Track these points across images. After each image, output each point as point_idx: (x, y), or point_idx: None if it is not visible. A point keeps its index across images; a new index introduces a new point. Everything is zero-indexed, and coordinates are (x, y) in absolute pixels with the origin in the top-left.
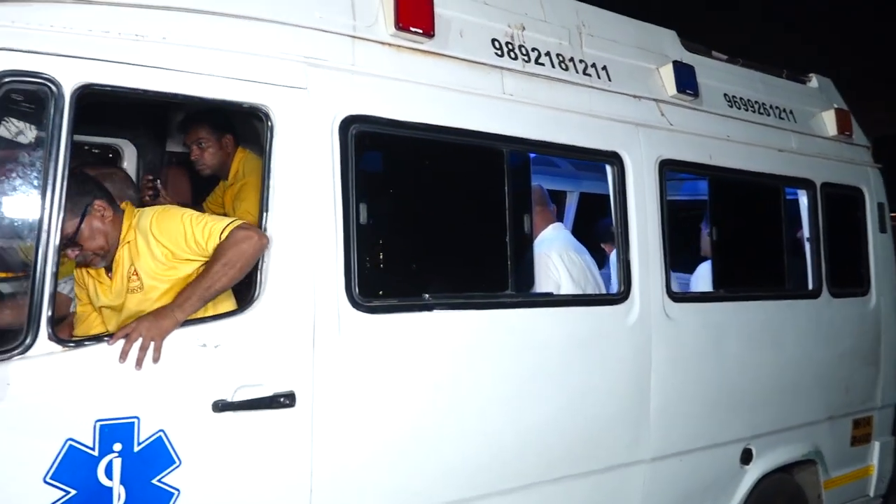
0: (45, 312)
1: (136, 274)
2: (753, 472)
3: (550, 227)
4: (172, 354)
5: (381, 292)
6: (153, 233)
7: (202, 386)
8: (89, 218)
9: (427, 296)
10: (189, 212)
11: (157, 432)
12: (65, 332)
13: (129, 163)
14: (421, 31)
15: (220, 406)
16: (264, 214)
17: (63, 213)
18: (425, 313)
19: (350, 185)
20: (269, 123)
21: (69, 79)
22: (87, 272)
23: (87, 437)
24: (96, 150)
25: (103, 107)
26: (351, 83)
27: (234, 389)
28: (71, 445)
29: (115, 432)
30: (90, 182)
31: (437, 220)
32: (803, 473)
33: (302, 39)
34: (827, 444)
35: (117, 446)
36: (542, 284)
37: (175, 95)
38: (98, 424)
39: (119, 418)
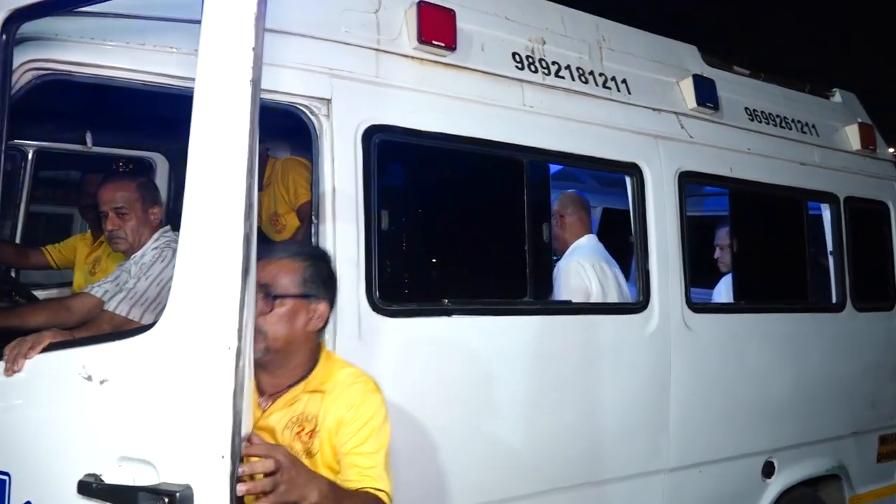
0: None
1: (312, 434)
2: (776, 486)
3: (586, 236)
4: (53, 387)
5: (401, 297)
6: (348, 411)
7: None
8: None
9: (446, 301)
10: (383, 429)
11: None
12: None
13: (162, 175)
14: (443, 44)
15: (87, 488)
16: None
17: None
18: (444, 318)
19: (371, 192)
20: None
21: None
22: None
23: None
24: (131, 164)
25: (138, 121)
26: (374, 94)
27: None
28: None
29: None
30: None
31: (458, 227)
32: (828, 489)
33: (326, 52)
34: (852, 460)
35: None
36: (573, 291)
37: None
38: None
39: None
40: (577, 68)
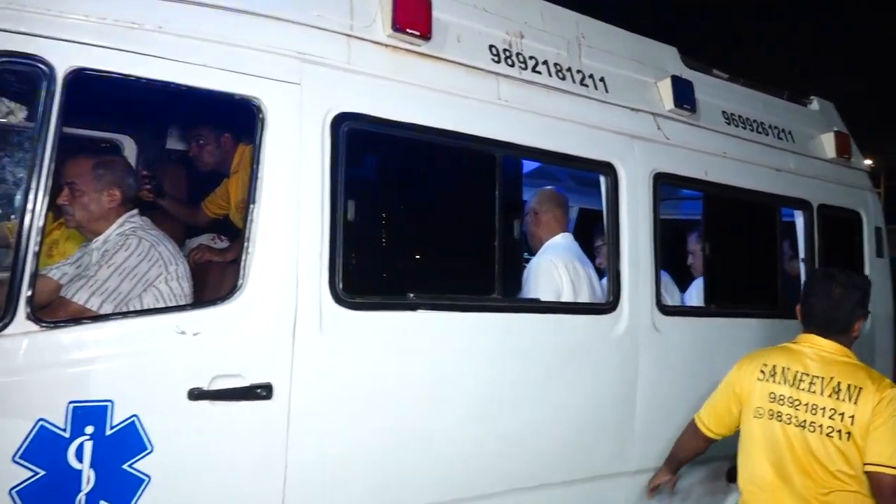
0: (25, 292)
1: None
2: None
3: (561, 234)
4: (149, 340)
5: (364, 289)
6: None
7: (178, 373)
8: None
9: (412, 295)
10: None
11: (130, 417)
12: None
13: (129, 158)
14: (418, 33)
15: (196, 394)
16: (251, 206)
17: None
18: (409, 312)
19: (339, 181)
20: (261, 116)
21: (63, 62)
22: None
23: (59, 418)
24: (102, 145)
25: (105, 102)
26: (345, 81)
27: (210, 378)
28: (42, 426)
29: (87, 415)
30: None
31: (426, 220)
32: None
33: (297, 36)
34: None
35: (89, 429)
36: (543, 290)
37: (167, 84)
38: (71, 406)
39: (92, 401)
40: (555, 64)
